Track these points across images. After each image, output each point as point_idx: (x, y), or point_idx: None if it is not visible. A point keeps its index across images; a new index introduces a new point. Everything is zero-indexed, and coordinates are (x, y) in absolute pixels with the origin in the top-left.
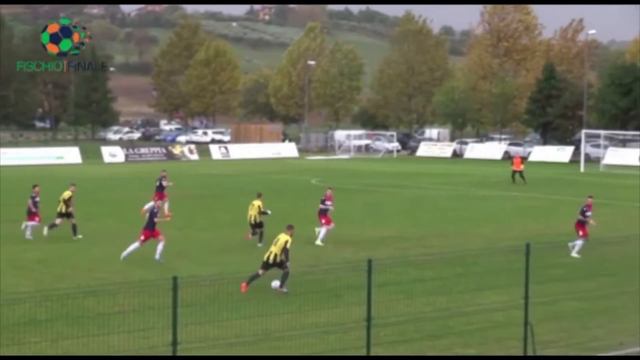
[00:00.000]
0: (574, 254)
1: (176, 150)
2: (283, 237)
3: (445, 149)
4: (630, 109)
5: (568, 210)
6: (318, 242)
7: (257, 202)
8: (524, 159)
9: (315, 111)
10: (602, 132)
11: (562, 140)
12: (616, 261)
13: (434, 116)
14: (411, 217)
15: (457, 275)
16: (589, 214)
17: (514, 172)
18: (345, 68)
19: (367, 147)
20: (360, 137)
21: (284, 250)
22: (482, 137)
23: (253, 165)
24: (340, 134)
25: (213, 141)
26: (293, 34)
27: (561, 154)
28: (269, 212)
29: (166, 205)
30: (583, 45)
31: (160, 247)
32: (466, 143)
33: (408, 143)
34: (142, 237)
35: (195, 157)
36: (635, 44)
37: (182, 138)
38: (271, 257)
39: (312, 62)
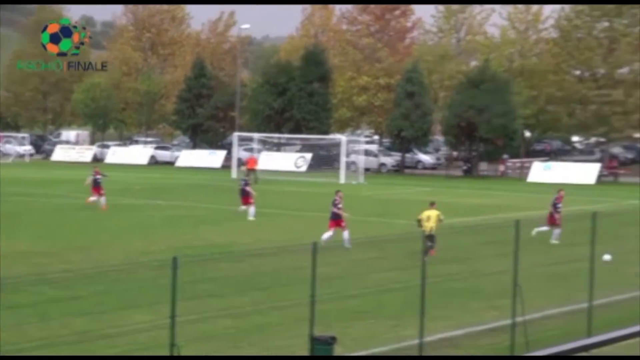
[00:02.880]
0: (553, 240)
1: None
2: (433, 213)
3: (85, 153)
4: (285, 110)
5: (219, 219)
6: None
7: None
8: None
9: None
10: (256, 135)
11: (213, 144)
12: (268, 274)
13: (73, 116)
14: (46, 229)
15: (98, 294)
16: (560, 205)
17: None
18: None
19: None
20: None
21: (439, 220)
22: (125, 140)
23: None
24: None
25: None
26: None
27: (213, 158)
28: None
29: (103, 200)
30: (235, 40)
31: (346, 235)
32: (108, 146)
33: (42, 146)
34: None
35: None
36: (291, 41)
37: None
38: (432, 231)
39: None
